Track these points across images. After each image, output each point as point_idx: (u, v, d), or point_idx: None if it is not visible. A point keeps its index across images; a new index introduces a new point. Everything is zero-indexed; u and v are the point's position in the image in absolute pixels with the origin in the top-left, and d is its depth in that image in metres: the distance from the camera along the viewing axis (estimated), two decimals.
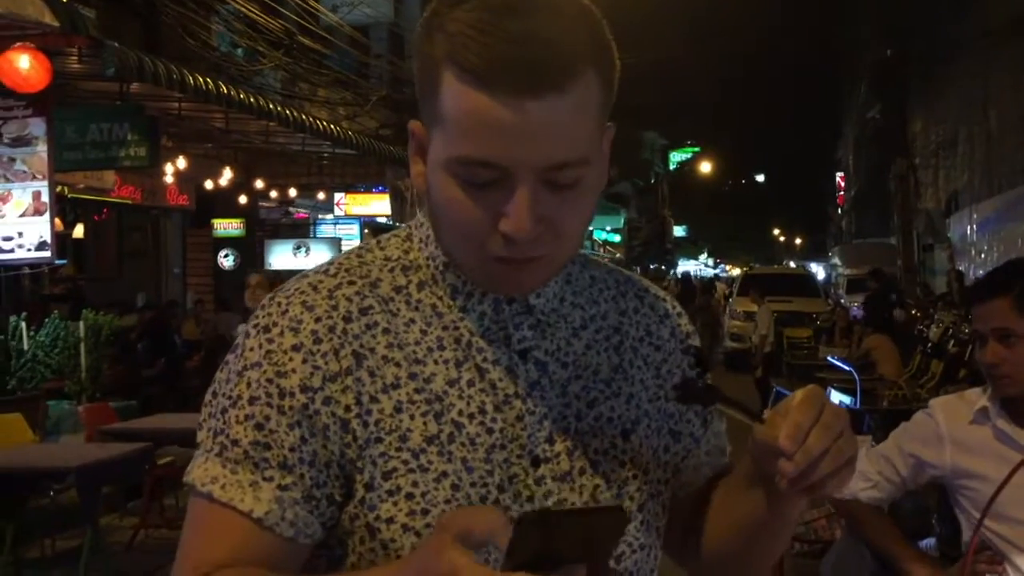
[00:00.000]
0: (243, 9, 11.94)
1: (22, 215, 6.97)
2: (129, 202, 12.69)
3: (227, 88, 9.11)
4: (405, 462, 0.93)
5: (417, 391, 0.95)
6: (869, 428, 4.34)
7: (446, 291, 1.00)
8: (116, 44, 7.18)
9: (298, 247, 16.15)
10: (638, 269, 38.50)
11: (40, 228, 7.00)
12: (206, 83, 8.59)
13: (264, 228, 17.10)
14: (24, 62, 6.30)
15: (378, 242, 1.05)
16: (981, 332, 2.05)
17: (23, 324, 7.17)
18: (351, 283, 0.98)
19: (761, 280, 17.19)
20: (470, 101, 0.85)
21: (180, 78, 8.07)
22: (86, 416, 6.23)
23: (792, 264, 41.61)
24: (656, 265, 42.70)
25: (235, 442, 0.92)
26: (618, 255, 40.79)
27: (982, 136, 18.48)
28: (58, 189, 10.71)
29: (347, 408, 0.93)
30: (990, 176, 17.76)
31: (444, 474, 0.93)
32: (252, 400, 0.93)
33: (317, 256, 15.14)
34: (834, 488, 0.87)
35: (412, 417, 0.94)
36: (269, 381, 0.93)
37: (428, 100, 0.90)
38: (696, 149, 59.54)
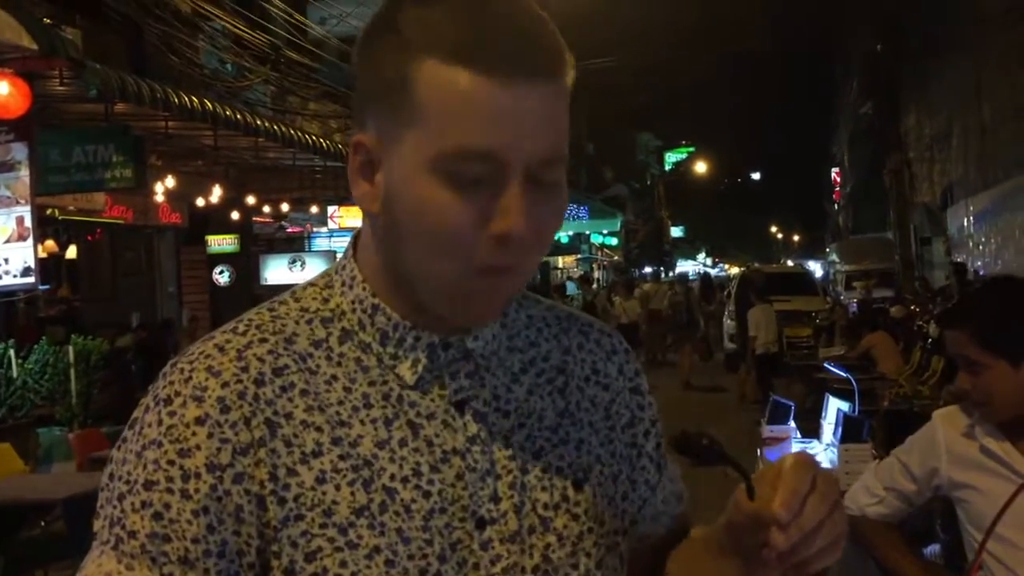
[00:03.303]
0: (228, 25, 11.89)
1: (7, 241, 6.90)
2: (121, 222, 12.65)
3: (213, 105, 9.06)
4: (331, 540, 0.83)
5: (342, 457, 0.86)
6: (869, 434, 4.27)
7: (374, 337, 0.91)
8: (98, 65, 7.13)
9: (293, 261, 16.10)
10: (636, 271, 38.45)
11: (24, 254, 6.94)
12: (191, 101, 8.54)
13: (259, 243, 17.05)
14: (2, 88, 6.24)
15: (292, 293, 0.95)
16: (953, 357, 2.08)
17: (12, 351, 7.10)
18: (263, 340, 0.88)
19: (760, 279, 17.09)
20: (463, 84, 0.79)
21: (165, 97, 8.03)
22: (76, 443, 6.15)
23: (790, 263, 41.56)
24: (655, 267, 42.69)
25: (132, 534, 0.82)
26: (616, 257, 40.72)
27: (976, 128, 18.41)
28: (48, 211, 10.70)
29: (262, 484, 0.84)
30: (985, 168, 17.68)
31: (376, 549, 0.84)
32: (150, 485, 0.83)
33: (313, 269, 15.09)
34: (823, 564, 0.81)
35: (338, 488, 0.85)
36: (171, 463, 0.83)
37: (392, 102, 0.83)
38: (691, 149, 59.45)
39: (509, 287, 0.87)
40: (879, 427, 5.80)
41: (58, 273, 12.51)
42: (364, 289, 0.92)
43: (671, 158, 58.19)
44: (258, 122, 9.96)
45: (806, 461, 0.81)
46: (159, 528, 0.82)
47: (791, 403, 5.07)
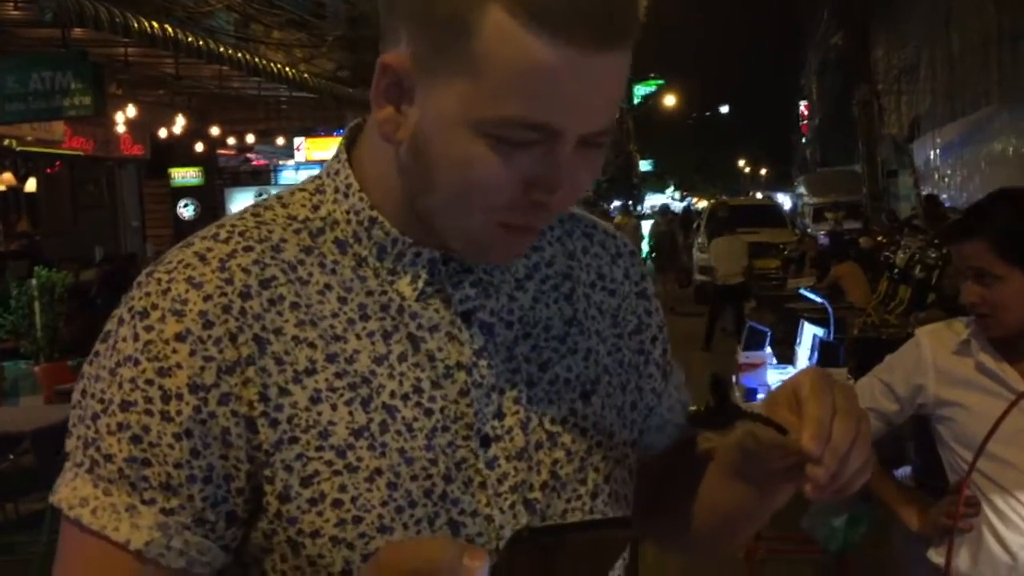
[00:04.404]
0: None
1: None
2: (81, 153, 12.38)
3: (175, 32, 8.80)
4: (329, 463, 0.79)
5: (338, 375, 0.80)
6: (844, 359, 4.30)
7: (371, 251, 0.84)
8: None
9: (259, 195, 15.86)
10: (604, 205, 38.43)
11: None
12: (152, 27, 8.28)
13: (223, 176, 16.81)
14: None
15: (279, 198, 0.88)
16: (961, 270, 2.02)
17: None
18: (248, 249, 0.81)
19: (728, 212, 17.17)
20: (536, 53, 0.71)
21: (124, 22, 7.78)
22: (43, 376, 6.08)
23: (759, 195, 41.74)
24: (624, 201, 42.79)
25: (108, 457, 0.77)
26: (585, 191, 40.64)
27: (944, 59, 18.40)
28: (5, 142, 10.42)
29: (251, 405, 0.78)
30: (952, 100, 17.73)
31: (378, 471, 0.79)
32: (126, 405, 0.77)
33: None
34: (862, 480, 0.76)
35: (334, 407, 0.79)
36: (149, 382, 0.77)
37: (441, 36, 0.74)
38: (660, 82, 59.02)
39: (532, 239, 0.84)
40: (850, 355, 5.87)
41: (17, 207, 12.24)
42: (361, 200, 0.85)
43: (640, 91, 57.73)
44: (221, 49, 9.70)
45: (822, 381, 0.76)
46: (138, 452, 0.77)
47: (767, 329, 5.09)
